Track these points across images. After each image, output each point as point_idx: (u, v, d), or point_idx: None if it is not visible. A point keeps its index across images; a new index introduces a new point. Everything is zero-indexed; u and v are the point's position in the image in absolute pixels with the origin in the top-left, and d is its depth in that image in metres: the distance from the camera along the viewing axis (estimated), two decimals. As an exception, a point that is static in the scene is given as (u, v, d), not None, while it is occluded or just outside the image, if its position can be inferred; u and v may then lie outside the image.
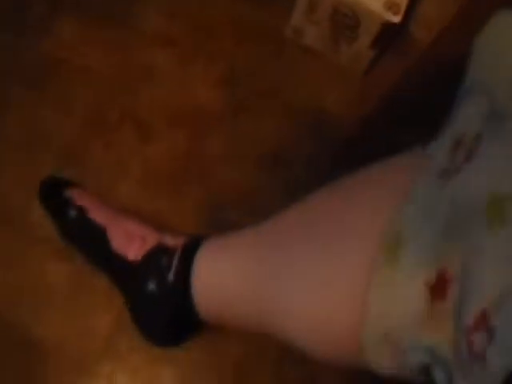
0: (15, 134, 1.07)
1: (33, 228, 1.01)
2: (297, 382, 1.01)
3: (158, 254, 0.89)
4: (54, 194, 0.98)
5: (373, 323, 0.61)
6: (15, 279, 0.99)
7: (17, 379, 0.96)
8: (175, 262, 0.87)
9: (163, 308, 0.88)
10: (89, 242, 0.94)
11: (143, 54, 1.15)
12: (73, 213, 0.95)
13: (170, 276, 0.86)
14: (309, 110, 1.15)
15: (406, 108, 1.03)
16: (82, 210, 0.95)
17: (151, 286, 0.88)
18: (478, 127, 0.58)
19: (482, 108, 0.60)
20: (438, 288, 0.56)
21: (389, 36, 1.11)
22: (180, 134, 1.10)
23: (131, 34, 1.15)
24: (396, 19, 1.06)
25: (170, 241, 0.90)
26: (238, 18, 1.19)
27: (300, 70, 1.18)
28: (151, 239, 0.91)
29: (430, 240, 0.57)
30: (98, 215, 0.94)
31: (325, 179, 1.05)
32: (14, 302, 0.97)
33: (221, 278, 0.81)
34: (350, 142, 1.12)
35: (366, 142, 1.09)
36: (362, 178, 0.72)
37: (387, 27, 1.08)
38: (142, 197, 1.06)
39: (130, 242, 0.91)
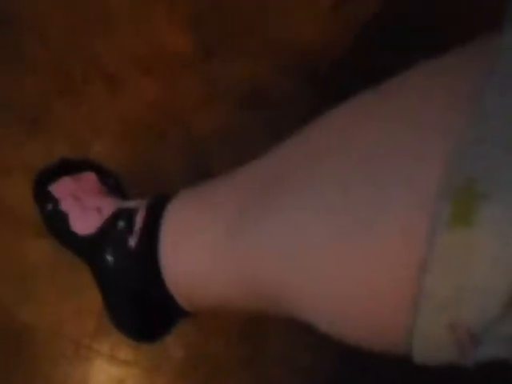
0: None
1: (10, 210, 0.99)
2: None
3: (116, 217, 0.76)
4: (39, 186, 0.94)
5: (432, 306, 0.43)
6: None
7: (5, 367, 0.95)
8: (137, 223, 0.71)
9: (126, 285, 0.73)
10: (59, 231, 0.89)
11: (96, 1, 1.09)
12: (49, 206, 0.90)
13: (131, 241, 0.71)
14: (284, 45, 1.10)
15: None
16: (56, 203, 0.89)
17: (109, 257, 0.74)
18: None
19: None
20: None
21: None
22: (151, 81, 1.06)
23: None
24: None
25: (134, 203, 0.77)
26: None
27: (268, 3, 1.12)
28: (108, 208, 0.80)
29: None
30: (66, 203, 0.88)
31: (311, 115, 1.05)
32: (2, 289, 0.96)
33: (196, 240, 0.64)
34: (333, 73, 1.08)
35: (352, 71, 1.06)
36: (394, 86, 0.53)
37: None
38: (119, 153, 1.03)
39: (85, 216, 0.82)
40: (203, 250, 0.63)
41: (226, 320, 0.97)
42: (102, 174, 0.96)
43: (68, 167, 0.95)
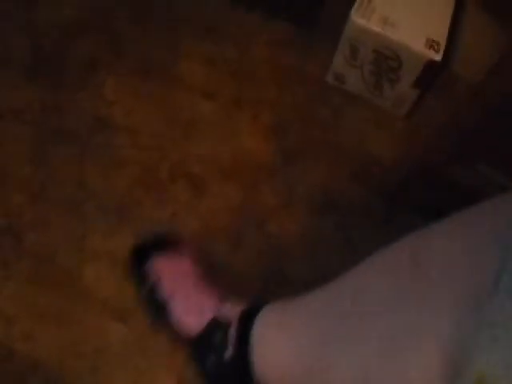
0: (59, 193, 1.17)
1: (88, 291, 1.10)
2: None
3: (213, 330, 0.95)
4: (136, 264, 1.07)
5: None
6: (75, 341, 1.07)
7: None
8: (231, 339, 0.92)
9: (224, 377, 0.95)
10: (158, 312, 1.03)
11: (186, 107, 1.27)
12: (147, 286, 1.04)
13: (227, 355, 0.92)
14: (357, 155, 1.26)
15: (467, 145, 1.12)
16: (154, 284, 1.03)
17: (209, 364, 0.95)
18: None
19: None
20: None
21: (431, 75, 1.23)
22: (233, 186, 1.20)
23: (171, 88, 1.28)
24: (438, 57, 1.18)
25: (228, 312, 0.95)
26: (278, 65, 1.33)
27: (344, 115, 1.30)
28: (208, 312, 0.97)
29: None
30: (165, 288, 1.02)
31: (379, 224, 1.20)
32: (74, 363, 1.05)
33: (280, 356, 0.84)
34: (404, 185, 1.22)
35: (421, 184, 1.20)
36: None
37: (429, 66, 1.19)
38: (200, 253, 1.12)
39: (187, 315, 0.99)
40: (289, 362, 0.82)
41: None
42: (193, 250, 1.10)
43: (163, 243, 1.09)
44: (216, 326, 0.95)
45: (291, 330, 0.84)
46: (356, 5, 1.21)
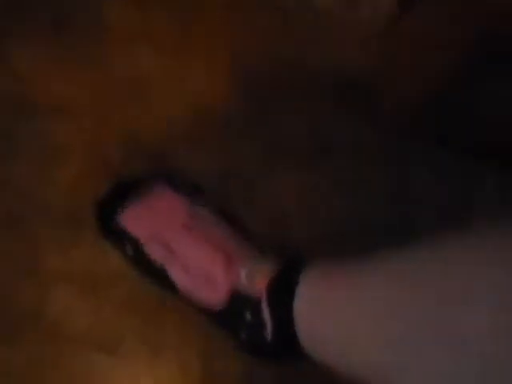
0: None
1: (60, 327, 0.92)
2: None
3: (239, 307, 0.81)
4: (107, 222, 0.91)
5: None
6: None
7: None
8: (266, 316, 0.78)
9: (265, 353, 0.83)
10: (155, 279, 0.89)
11: (122, 63, 1.02)
12: (129, 248, 0.89)
13: (267, 334, 0.78)
14: (336, 85, 1.06)
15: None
16: (137, 245, 0.88)
17: (243, 336, 0.82)
18: None
19: None
20: None
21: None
22: (202, 152, 1.00)
23: (98, 43, 1.03)
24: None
25: (246, 285, 0.81)
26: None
27: (315, 38, 1.08)
28: (222, 283, 0.82)
29: None
30: (155, 249, 0.86)
31: (374, 159, 1.03)
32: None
33: (332, 342, 0.71)
34: (396, 111, 1.06)
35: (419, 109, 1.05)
36: None
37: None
38: None
39: (195, 284, 0.84)
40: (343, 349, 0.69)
41: None
42: (170, 179, 0.95)
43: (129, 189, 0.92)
44: (242, 302, 0.81)
45: (346, 315, 0.68)
46: None
